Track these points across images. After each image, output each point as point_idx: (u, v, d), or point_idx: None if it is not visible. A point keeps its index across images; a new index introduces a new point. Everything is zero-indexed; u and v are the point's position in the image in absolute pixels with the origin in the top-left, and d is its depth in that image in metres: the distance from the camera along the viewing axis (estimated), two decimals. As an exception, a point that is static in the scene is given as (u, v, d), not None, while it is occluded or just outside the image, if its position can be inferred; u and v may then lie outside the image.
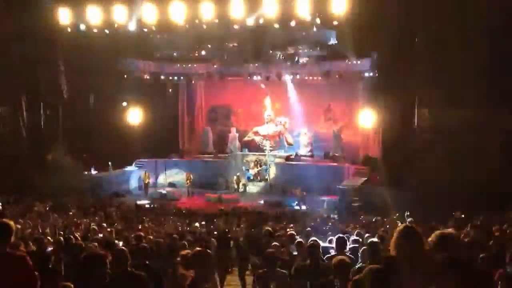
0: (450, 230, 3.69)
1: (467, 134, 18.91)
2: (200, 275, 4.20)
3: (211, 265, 4.31)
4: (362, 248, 6.36)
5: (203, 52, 26.67)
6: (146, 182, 25.67)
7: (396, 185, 20.02)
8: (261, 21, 20.28)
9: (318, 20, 20.01)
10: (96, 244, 7.82)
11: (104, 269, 3.53)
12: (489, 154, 17.96)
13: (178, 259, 5.03)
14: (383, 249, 5.81)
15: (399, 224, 12.46)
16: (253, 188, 26.30)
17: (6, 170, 20.65)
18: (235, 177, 26.24)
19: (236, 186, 26.13)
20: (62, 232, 10.48)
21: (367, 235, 9.84)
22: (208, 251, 4.37)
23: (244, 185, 26.19)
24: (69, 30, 21.38)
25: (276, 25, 20.55)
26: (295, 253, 7.40)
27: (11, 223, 4.41)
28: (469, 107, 18.78)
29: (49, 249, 6.35)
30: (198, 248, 4.56)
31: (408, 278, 3.23)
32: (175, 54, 27.01)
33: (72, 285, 4.18)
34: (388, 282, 3.23)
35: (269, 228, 11.09)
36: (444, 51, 18.42)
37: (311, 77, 26.87)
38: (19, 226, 10.80)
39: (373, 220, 15.87)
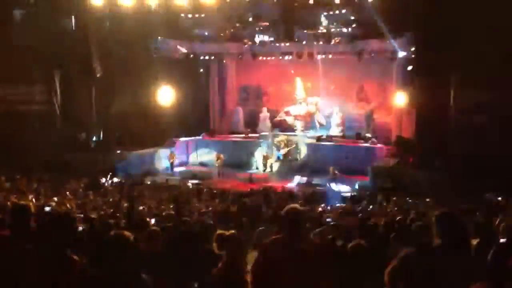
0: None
1: (504, 115, 18.42)
2: (232, 257, 4.16)
3: (242, 250, 4.26)
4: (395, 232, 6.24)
5: (233, 31, 26.51)
6: (171, 161, 25.79)
7: (429, 167, 19.69)
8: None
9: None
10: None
11: (128, 251, 3.47)
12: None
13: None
14: (416, 232, 5.68)
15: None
16: (281, 168, 26.12)
17: (40, 148, 21.09)
18: (262, 156, 26.19)
19: (262, 166, 26.08)
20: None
21: (398, 217, 9.67)
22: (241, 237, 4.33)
23: (272, 165, 26.11)
24: (101, 11, 21.48)
25: (309, 3, 20.20)
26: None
27: (30, 204, 4.42)
28: (507, 88, 18.22)
29: (80, 228, 6.40)
30: (232, 231, 4.51)
31: (450, 264, 3.13)
32: (206, 33, 26.93)
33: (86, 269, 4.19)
34: (427, 266, 3.13)
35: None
36: (483, 30, 17.84)
37: (343, 57, 26.46)
38: (53, 204, 11.02)
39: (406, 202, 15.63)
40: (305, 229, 4.06)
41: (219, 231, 4.68)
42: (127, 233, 3.56)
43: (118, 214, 10.20)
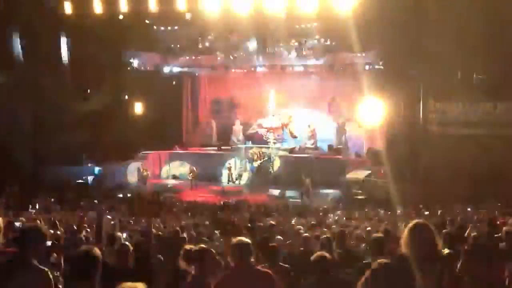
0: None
1: (473, 126, 18.80)
2: (201, 272, 4.14)
3: (214, 263, 4.26)
4: (366, 243, 6.28)
5: (207, 44, 26.52)
6: (145, 174, 25.56)
7: (400, 178, 19.93)
8: (265, 13, 20.15)
9: (322, 12, 19.87)
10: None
11: (97, 266, 3.43)
12: (494, 147, 17.83)
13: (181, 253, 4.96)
14: (388, 243, 5.73)
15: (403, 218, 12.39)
16: (254, 180, 26.12)
17: (8, 162, 20.67)
18: (226, 168, 26.13)
19: (227, 178, 26.03)
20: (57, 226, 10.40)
21: (368, 228, 9.76)
22: (212, 250, 4.32)
23: (239, 176, 26.08)
24: (72, 21, 21.28)
25: (281, 17, 20.39)
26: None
27: None
28: (475, 99, 18.66)
29: (48, 243, 6.24)
30: (202, 245, 4.49)
31: (420, 276, 3.15)
32: (178, 46, 26.89)
33: None
34: (399, 278, 3.14)
35: (273, 222, 11.04)
36: (450, 43, 18.24)
37: (315, 69, 26.71)
38: (23, 219, 10.78)
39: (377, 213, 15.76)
40: (250, 260, 4.32)
41: (186, 246, 4.66)
42: (96, 248, 3.52)
43: (88, 230, 10.04)
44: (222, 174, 26.32)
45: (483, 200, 15.37)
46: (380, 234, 6.61)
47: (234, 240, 4.41)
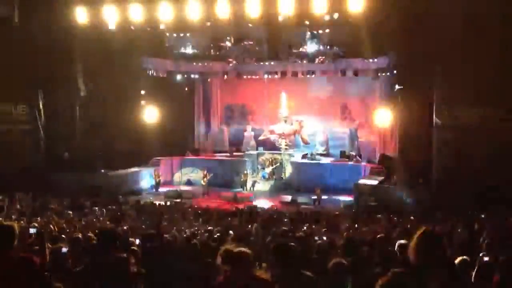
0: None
1: (487, 133, 18.64)
2: (235, 273, 4.20)
3: (249, 266, 4.29)
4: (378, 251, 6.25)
5: (218, 51, 26.60)
6: (157, 180, 25.68)
7: (413, 184, 19.82)
8: (277, 19, 20.18)
9: (334, 18, 19.84)
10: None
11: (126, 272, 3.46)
12: (509, 153, 17.67)
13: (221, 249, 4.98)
14: (399, 251, 5.70)
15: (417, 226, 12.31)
16: (263, 186, 26.15)
17: (23, 168, 20.89)
18: (242, 175, 26.13)
19: (241, 185, 26.03)
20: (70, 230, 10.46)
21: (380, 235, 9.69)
22: (250, 253, 4.36)
23: (254, 183, 26.06)
24: (85, 29, 21.45)
25: (293, 23, 20.40)
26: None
27: (14, 225, 4.34)
28: (488, 105, 18.52)
29: (64, 249, 6.28)
30: (241, 248, 4.54)
31: (430, 284, 3.13)
32: (191, 52, 26.98)
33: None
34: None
35: (285, 228, 11.03)
36: (463, 48, 18.14)
37: (327, 75, 26.68)
38: (35, 225, 10.87)
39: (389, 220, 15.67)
40: (248, 266, 4.24)
41: (227, 247, 4.72)
42: (125, 256, 3.54)
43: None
44: (235, 181, 26.31)
45: (497, 207, 15.21)
46: (391, 242, 6.58)
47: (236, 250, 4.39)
